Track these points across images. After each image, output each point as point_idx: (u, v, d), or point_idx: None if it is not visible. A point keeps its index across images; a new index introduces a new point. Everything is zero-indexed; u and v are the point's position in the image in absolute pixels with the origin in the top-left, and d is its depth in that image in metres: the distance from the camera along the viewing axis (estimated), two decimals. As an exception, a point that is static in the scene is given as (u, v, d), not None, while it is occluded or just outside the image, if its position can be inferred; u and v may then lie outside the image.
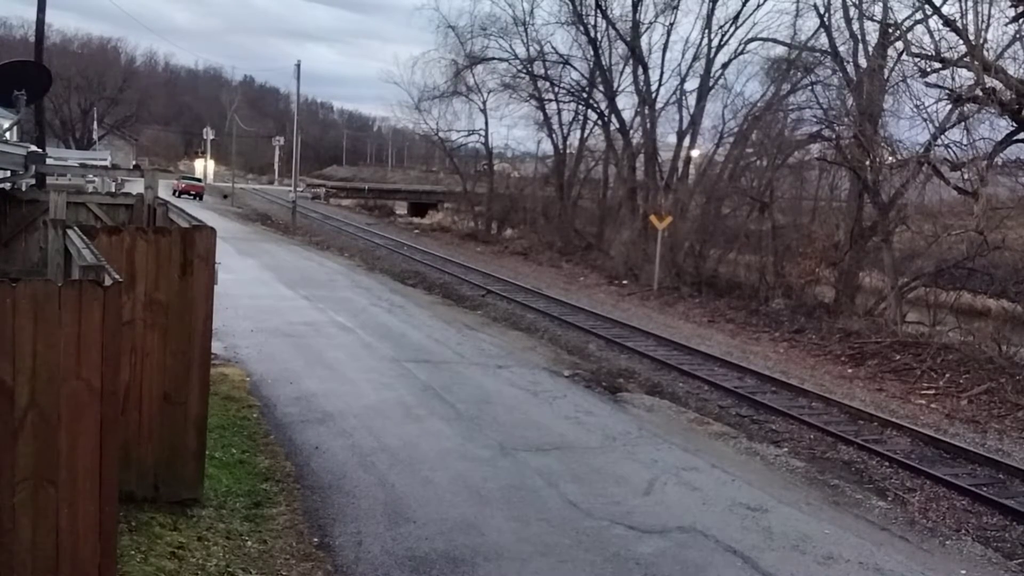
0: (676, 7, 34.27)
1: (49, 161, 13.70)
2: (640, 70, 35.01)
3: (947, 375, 15.93)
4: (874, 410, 13.60)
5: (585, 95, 39.40)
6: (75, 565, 4.00)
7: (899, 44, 22.21)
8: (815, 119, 27.50)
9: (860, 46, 24.94)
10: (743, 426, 12.28)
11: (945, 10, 19.78)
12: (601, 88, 37.96)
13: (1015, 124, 18.10)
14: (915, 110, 21.23)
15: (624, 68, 36.99)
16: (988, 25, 17.84)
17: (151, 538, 5.98)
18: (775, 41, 31.12)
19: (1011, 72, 18.01)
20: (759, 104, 30.73)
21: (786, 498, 8.58)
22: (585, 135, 41.35)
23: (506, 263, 34.21)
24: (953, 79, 19.32)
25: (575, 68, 39.18)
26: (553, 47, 40.19)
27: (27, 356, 3.82)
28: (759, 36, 31.70)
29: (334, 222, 49.56)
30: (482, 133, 45.84)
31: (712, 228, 29.65)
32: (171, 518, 6.39)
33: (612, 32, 36.50)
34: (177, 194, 52.83)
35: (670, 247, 28.39)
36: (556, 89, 40.34)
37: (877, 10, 24.07)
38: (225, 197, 62.00)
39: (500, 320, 19.35)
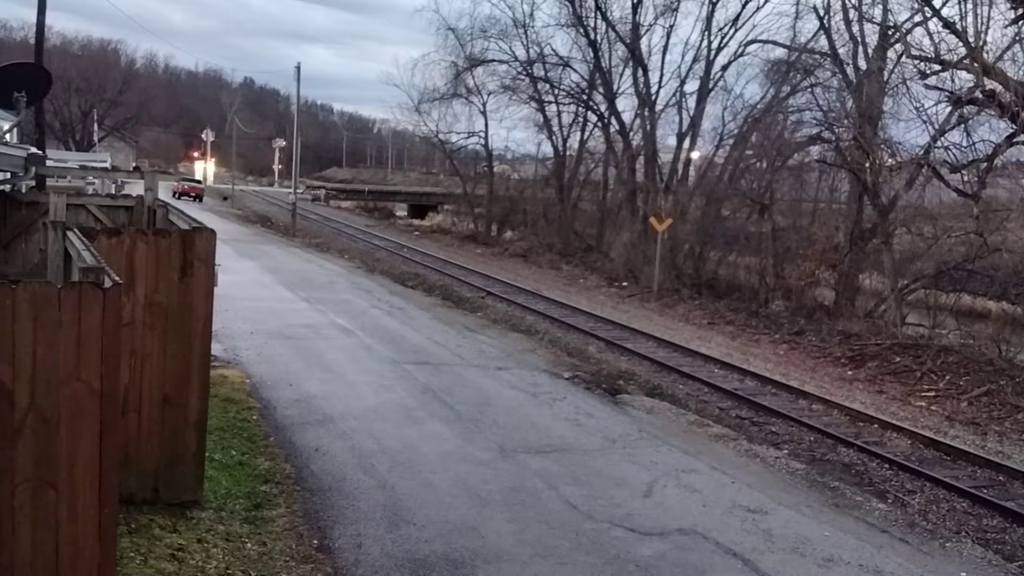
0: (676, 9, 34.39)
1: (49, 163, 13.67)
2: (640, 72, 35.07)
3: (947, 377, 15.93)
4: (874, 412, 13.59)
5: (585, 97, 39.46)
6: (75, 567, 4.00)
7: (899, 46, 22.25)
8: (815, 121, 27.55)
9: (860, 48, 25.03)
10: (743, 428, 12.28)
11: (945, 12, 19.81)
12: (601, 90, 38.01)
13: (1015, 126, 18.09)
14: (915, 112, 21.27)
15: (624, 70, 37.11)
16: (988, 27, 17.88)
17: (151, 540, 5.98)
18: (775, 43, 31.22)
19: (1011, 74, 18.02)
20: (759, 106, 30.81)
21: (786, 500, 8.57)
22: (585, 137, 41.46)
23: (506, 265, 34.22)
24: (953, 81, 19.35)
25: (575, 70, 39.30)
26: (553, 49, 40.33)
27: (27, 358, 3.81)
28: (759, 38, 31.82)
29: (334, 224, 49.57)
30: (482, 135, 45.96)
31: (712, 230, 29.65)
32: (171, 520, 6.38)
33: (612, 34, 36.59)
34: (177, 196, 52.78)
35: (670, 249, 28.40)
36: (556, 91, 40.41)
37: (877, 12, 24.15)
38: (225, 199, 62.03)
39: (500, 322, 19.34)
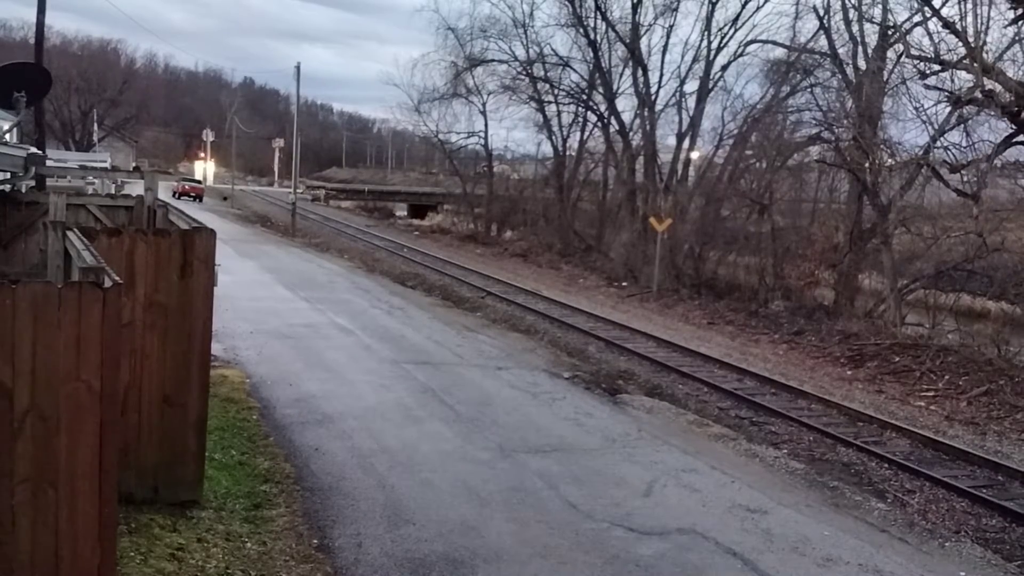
0: (675, 9, 34.38)
1: (49, 163, 13.68)
2: (640, 72, 35.06)
3: (946, 377, 15.94)
4: (873, 412, 13.60)
5: (585, 97, 39.45)
6: (75, 567, 4.00)
7: (898, 46, 22.25)
8: (814, 121, 27.57)
9: (859, 48, 25.01)
10: (743, 428, 12.29)
11: (945, 12, 19.81)
12: (601, 90, 38.00)
13: (1014, 126, 18.10)
14: (914, 112, 21.30)
15: (624, 70, 37.10)
16: (987, 27, 17.88)
17: (151, 540, 5.98)
18: (774, 43, 31.22)
19: (1010, 74, 18.04)
20: (758, 106, 30.80)
21: (786, 500, 8.58)
22: (585, 137, 41.44)
23: (506, 265, 34.22)
24: (952, 81, 19.35)
25: (575, 70, 39.30)
26: (553, 49, 40.31)
27: (27, 358, 3.82)
28: (758, 38, 31.81)
29: (334, 224, 49.56)
30: (482, 135, 45.93)
31: (711, 230, 29.66)
32: (171, 520, 6.39)
33: (612, 34, 36.58)
34: (177, 196, 52.80)
35: (669, 249, 28.40)
36: (556, 91, 40.39)
37: (876, 12, 24.17)
38: (225, 199, 62.02)
39: (500, 322, 19.35)
